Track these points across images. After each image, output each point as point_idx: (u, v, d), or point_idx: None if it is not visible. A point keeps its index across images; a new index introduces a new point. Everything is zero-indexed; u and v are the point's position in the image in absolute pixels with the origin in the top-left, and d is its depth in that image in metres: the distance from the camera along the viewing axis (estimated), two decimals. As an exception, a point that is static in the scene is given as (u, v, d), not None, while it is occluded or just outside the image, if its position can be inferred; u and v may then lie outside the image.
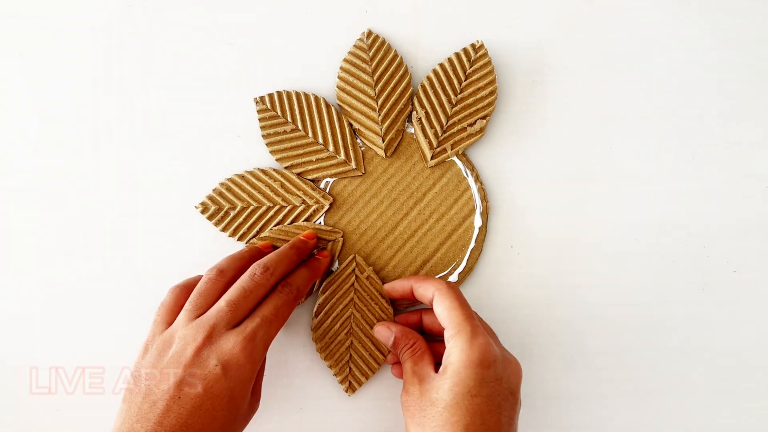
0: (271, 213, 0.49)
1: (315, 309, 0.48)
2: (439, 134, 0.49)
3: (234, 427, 0.39)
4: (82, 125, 0.50)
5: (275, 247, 0.47)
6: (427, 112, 0.49)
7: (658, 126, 0.50)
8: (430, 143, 0.49)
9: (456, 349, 0.39)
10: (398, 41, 0.50)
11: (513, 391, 0.39)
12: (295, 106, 0.49)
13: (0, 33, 0.51)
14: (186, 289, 0.43)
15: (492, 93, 0.49)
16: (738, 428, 0.48)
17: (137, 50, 0.51)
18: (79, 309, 0.49)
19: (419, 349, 0.43)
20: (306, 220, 0.49)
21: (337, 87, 0.49)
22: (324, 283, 0.48)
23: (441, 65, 0.49)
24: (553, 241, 0.49)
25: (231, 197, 0.49)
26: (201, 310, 0.41)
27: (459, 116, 0.49)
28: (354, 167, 0.49)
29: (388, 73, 0.49)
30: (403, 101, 0.49)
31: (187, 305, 0.41)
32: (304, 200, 0.49)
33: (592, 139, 0.50)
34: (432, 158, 0.49)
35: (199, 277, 0.44)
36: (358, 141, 0.49)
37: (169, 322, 0.42)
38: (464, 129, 0.49)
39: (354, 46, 0.50)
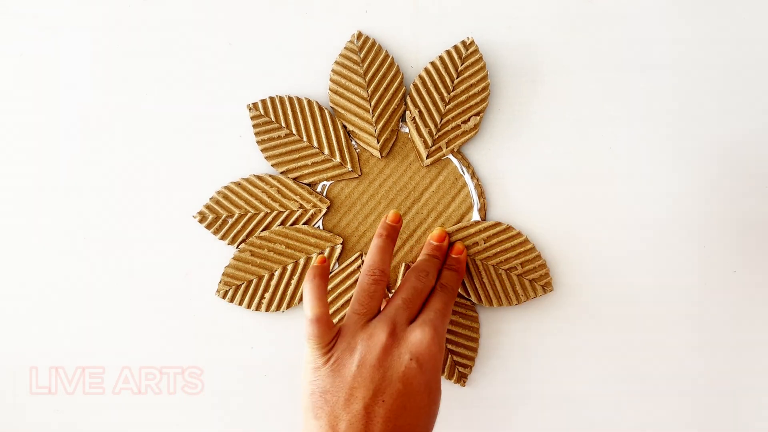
0: (269, 219, 0.49)
1: None
2: (434, 133, 0.49)
3: (433, 419, 0.39)
4: (82, 126, 0.50)
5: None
6: (420, 111, 0.49)
7: (658, 126, 0.50)
8: (425, 142, 0.49)
9: None
10: (398, 41, 0.50)
11: None
12: (288, 111, 0.49)
13: (0, 33, 0.51)
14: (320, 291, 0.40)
15: (485, 89, 0.49)
16: (738, 428, 0.48)
17: (137, 50, 0.51)
18: (79, 309, 0.49)
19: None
20: (305, 224, 0.49)
21: (330, 89, 0.49)
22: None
23: (432, 63, 0.49)
24: (552, 239, 0.49)
25: (228, 205, 0.49)
26: (372, 312, 0.40)
27: (453, 114, 0.49)
28: (350, 169, 0.49)
29: (380, 73, 0.49)
30: (396, 101, 0.49)
31: (357, 308, 0.40)
32: (301, 205, 0.49)
33: (592, 138, 0.49)
34: (427, 157, 0.49)
35: (319, 270, 0.41)
36: (353, 143, 0.49)
37: (327, 339, 0.39)
38: (458, 126, 0.49)
39: (345, 48, 0.50)
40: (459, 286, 0.45)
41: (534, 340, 0.48)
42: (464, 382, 0.48)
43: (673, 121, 0.50)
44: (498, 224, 0.48)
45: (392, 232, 0.44)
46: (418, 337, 0.38)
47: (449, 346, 0.47)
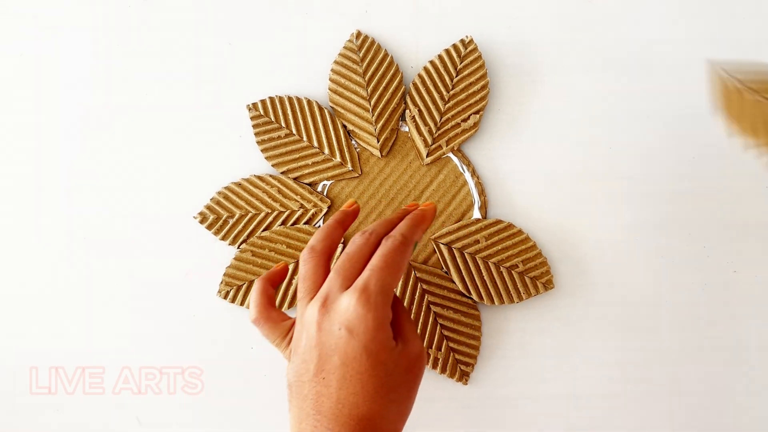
0: (270, 219, 0.49)
1: None
2: (434, 131, 0.49)
3: (391, 382, 0.38)
4: (82, 126, 0.50)
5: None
6: (420, 110, 0.49)
7: (658, 126, 0.50)
8: (425, 140, 0.49)
9: None
10: (398, 41, 0.50)
11: None
12: (288, 111, 0.49)
13: (0, 33, 0.51)
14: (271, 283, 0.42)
15: (484, 87, 0.49)
16: (738, 428, 0.48)
17: (137, 50, 0.51)
18: (79, 309, 0.49)
19: None
20: (306, 223, 0.49)
21: (329, 89, 0.49)
22: None
23: (432, 62, 0.49)
24: (553, 238, 0.49)
25: (229, 205, 0.49)
26: (313, 292, 0.39)
27: (452, 112, 0.49)
28: (350, 169, 0.49)
29: (380, 72, 0.49)
30: (396, 100, 0.49)
31: (300, 293, 0.40)
32: (302, 204, 0.49)
33: (592, 138, 0.50)
34: (428, 155, 0.49)
35: (265, 280, 0.42)
36: (353, 142, 0.49)
37: (281, 334, 0.41)
38: (458, 125, 0.49)
39: (344, 47, 0.50)
40: (414, 233, 0.41)
41: (535, 339, 0.48)
42: (466, 380, 0.48)
43: (673, 121, 0.50)
44: (499, 222, 0.48)
45: (344, 218, 0.42)
46: (344, 304, 0.37)
47: (451, 345, 0.47)
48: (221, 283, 0.48)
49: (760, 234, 0.49)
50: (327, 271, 0.40)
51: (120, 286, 0.49)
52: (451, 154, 0.49)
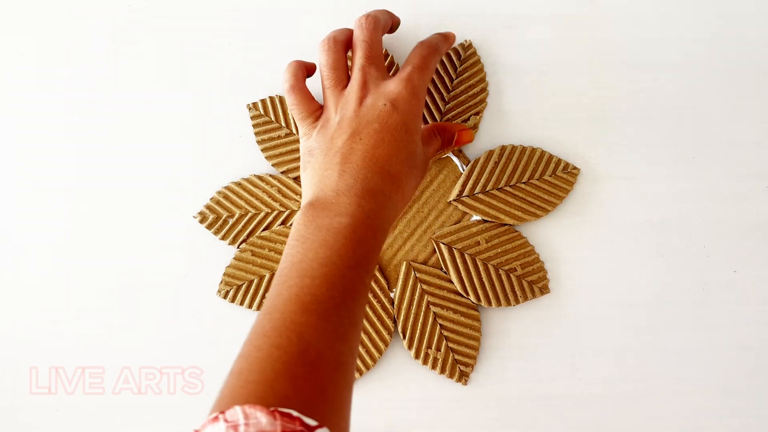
0: (270, 219, 0.49)
1: None
2: None
3: (416, 160, 0.41)
4: (82, 125, 0.50)
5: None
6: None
7: (658, 126, 0.50)
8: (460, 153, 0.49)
9: None
10: (398, 41, 0.50)
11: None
12: (288, 111, 0.49)
13: (0, 33, 0.51)
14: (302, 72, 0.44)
15: (483, 90, 0.49)
16: (738, 428, 0.48)
17: (137, 50, 0.51)
18: (79, 309, 0.49)
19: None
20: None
21: None
22: None
23: None
24: (552, 237, 0.49)
25: (229, 205, 0.49)
26: (343, 81, 0.42)
27: (452, 113, 0.49)
28: (351, 168, 0.49)
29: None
30: None
31: (327, 83, 0.42)
32: None
33: (592, 138, 0.50)
34: None
35: (300, 62, 0.44)
36: None
37: (311, 108, 0.43)
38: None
39: None
40: (443, 48, 0.46)
41: (534, 339, 0.48)
42: (465, 380, 0.48)
43: (673, 121, 0.50)
44: (499, 224, 0.48)
45: (368, 22, 0.44)
46: (391, 87, 0.41)
47: (450, 345, 0.47)
48: (221, 282, 0.48)
49: (760, 234, 0.49)
50: (347, 63, 0.43)
51: (120, 286, 0.49)
52: (451, 154, 0.49)
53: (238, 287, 0.48)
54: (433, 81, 0.49)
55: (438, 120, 0.49)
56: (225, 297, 0.48)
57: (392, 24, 0.46)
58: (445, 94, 0.49)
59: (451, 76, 0.49)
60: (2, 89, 0.51)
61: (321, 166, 0.40)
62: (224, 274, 0.48)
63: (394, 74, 0.43)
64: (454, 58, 0.50)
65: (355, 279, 0.36)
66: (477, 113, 0.49)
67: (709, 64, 0.50)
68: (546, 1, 0.51)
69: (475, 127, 0.49)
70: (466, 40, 0.50)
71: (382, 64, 0.43)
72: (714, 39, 0.50)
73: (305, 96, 0.43)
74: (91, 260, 0.49)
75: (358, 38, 0.42)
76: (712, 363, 0.48)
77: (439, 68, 0.49)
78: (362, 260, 0.37)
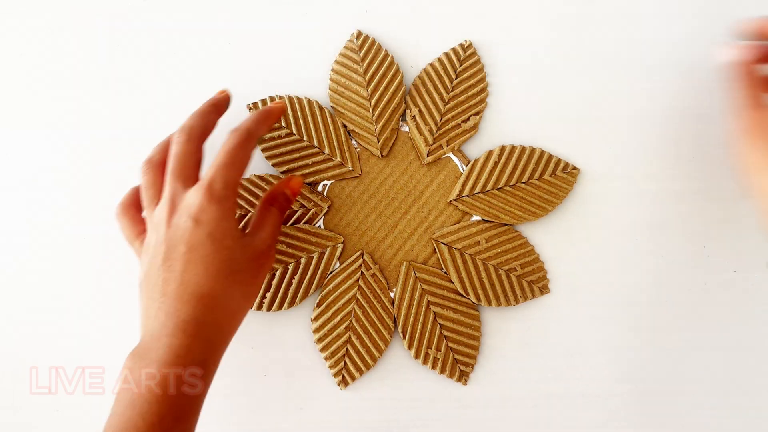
0: None
1: (317, 300, 0.48)
2: (434, 131, 0.49)
3: (235, 265, 0.40)
4: (81, 126, 0.50)
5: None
6: (420, 110, 0.49)
7: (658, 126, 0.50)
8: (425, 140, 0.49)
9: None
10: (398, 42, 0.50)
11: None
12: (288, 111, 0.49)
13: (0, 33, 0.51)
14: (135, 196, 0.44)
15: (483, 90, 0.49)
16: (738, 428, 0.48)
17: (136, 51, 0.51)
18: (78, 309, 0.49)
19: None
20: (306, 223, 0.49)
21: (330, 89, 0.49)
22: (329, 276, 0.48)
23: (431, 65, 0.50)
24: (552, 237, 0.49)
25: None
26: (156, 199, 0.42)
27: (452, 113, 0.49)
28: (350, 169, 0.49)
29: (380, 72, 0.49)
30: (396, 100, 0.49)
31: (143, 204, 0.43)
32: (302, 204, 0.49)
33: (592, 138, 0.50)
34: (428, 155, 0.49)
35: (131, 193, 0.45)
36: (353, 142, 0.49)
37: (135, 232, 0.43)
38: (458, 125, 0.49)
39: (344, 47, 0.50)
40: (258, 131, 0.43)
41: (535, 339, 0.48)
42: (466, 380, 0.48)
43: (673, 121, 0.50)
44: (499, 224, 0.48)
45: (215, 101, 0.45)
46: (189, 199, 0.40)
47: (450, 345, 0.47)
48: None
49: (760, 234, 0.49)
50: (162, 178, 0.42)
51: (120, 286, 0.49)
52: (451, 154, 0.49)
53: None
54: (432, 82, 0.49)
55: (438, 121, 0.49)
56: None
57: (216, 114, 0.45)
58: (444, 95, 0.49)
59: (451, 77, 0.49)
60: (2, 89, 0.51)
61: (145, 303, 0.40)
62: None
63: None
64: (454, 59, 0.50)
65: None
66: (477, 113, 0.49)
67: (709, 64, 0.50)
68: (546, 1, 0.51)
69: (475, 127, 0.49)
70: (466, 40, 0.50)
71: (193, 175, 0.41)
72: (714, 39, 0.50)
73: (131, 219, 0.43)
74: (91, 260, 0.49)
75: (170, 152, 0.42)
76: (711, 363, 0.48)
77: (439, 69, 0.49)
78: (168, 413, 0.37)
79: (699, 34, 0.50)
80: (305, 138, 0.49)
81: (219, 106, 0.45)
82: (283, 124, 0.49)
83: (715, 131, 0.50)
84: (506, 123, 0.50)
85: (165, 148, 0.43)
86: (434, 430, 0.48)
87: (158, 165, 0.42)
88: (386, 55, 0.50)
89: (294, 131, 0.49)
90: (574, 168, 0.49)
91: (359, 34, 0.50)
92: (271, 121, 0.45)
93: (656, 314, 0.49)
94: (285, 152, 0.49)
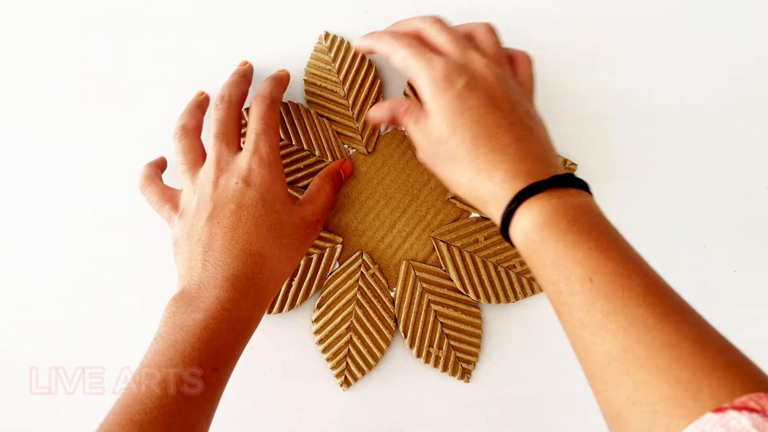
0: None
1: (318, 301, 0.48)
2: None
3: (283, 229, 0.42)
4: (80, 127, 0.50)
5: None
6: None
7: (658, 126, 0.50)
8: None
9: (423, 87, 0.38)
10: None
11: (499, 82, 0.38)
12: None
13: (0, 33, 0.51)
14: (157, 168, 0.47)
15: None
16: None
17: (137, 51, 0.51)
18: (79, 309, 0.49)
19: (413, 106, 0.41)
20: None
21: (306, 93, 0.50)
22: (329, 277, 0.48)
23: None
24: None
25: None
26: (197, 163, 0.43)
27: None
28: (345, 168, 0.49)
29: (354, 69, 0.49)
30: (373, 95, 0.49)
31: (181, 168, 0.44)
32: None
33: (592, 138, 0.50)
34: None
35: (152, 164, 0.47)
36: (345, 144, 0.49)
37: (165, 198, 0.44)
38: None
39: (314, 50, 0.50)
40: (279, 94, 0.46)
41: (535, 339, 0.48)
42: (468, 378, 0.48)
43: (673, 121, 0.50)
44: None
45: (203, 100, 0.47)
46: (240, 163, 0.41)
47: (452, 343, 0.47)
48: None
49: (760, 234, 0.49)
50: (201, 145, 0.44)
51: (120, 286, 0.49)
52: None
53: None
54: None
55: None
56: None
57: (247, 84, 0.47)
58: None
59: None
60: (2, 89, 0.51)
61: (187, 256, 0.40)
62: None
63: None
64: None
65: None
66: None
67: (709, 64, 0.50)
68: (546, 1, 0.51)
69: None
70: None
71: (236, 139, 0.43)
72: (714, 39, 0.50)
73: (159, 187, 0.44)
74: (91, 260, 0.49)
75: (212, 118, 0.44)
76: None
77: None
78: (210, 359, 0.37)
79: (699, 33, 0.50)
80: (294, 142, 0.49)
81: (247, 75, 0.47)
82: None
83: (715, 131, 0.50)
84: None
85: (195, 116, 0.45)
86: (437, 428, 0.48)
87: (194, 131, 0.44)
88: (357, 51, 0.49)
89: (282, 136, 0.49)
90: (572, 164, 0.49)
91: (327, 35, 0.50)
92: (285, 86, 0.47)
93: (656, 314, 0.48)
94: (281, 156, 0.49)
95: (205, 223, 0.40)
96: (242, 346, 0.40)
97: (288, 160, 0.49)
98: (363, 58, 0.49)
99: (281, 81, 0.46)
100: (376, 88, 0.49)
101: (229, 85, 0.45)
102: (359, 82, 0.49)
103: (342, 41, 0.50)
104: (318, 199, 0.44)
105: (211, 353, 0.37)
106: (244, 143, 0.43)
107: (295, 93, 0.50)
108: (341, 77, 0.49)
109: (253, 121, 0.43)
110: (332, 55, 0.49)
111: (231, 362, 0.39)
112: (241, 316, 0.39)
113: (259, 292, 0.40)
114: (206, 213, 0.40)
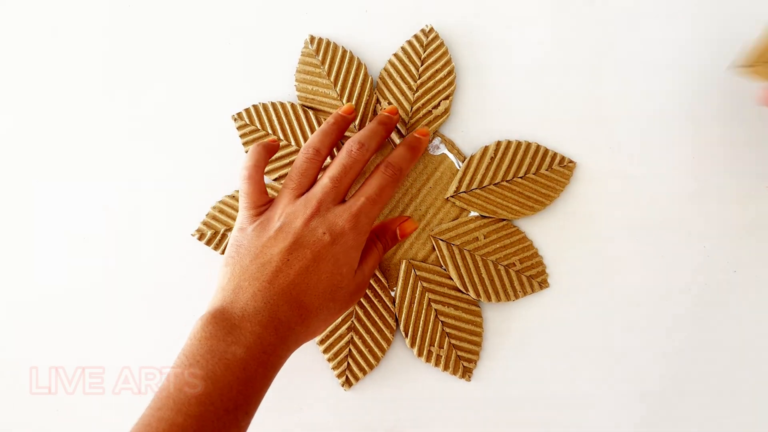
0: None
1: None
2: (406, 121, 0.49)
3: (338, 294, 0.41)
4: (80, 129, 0.50)
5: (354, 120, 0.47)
6: (390, 103, 0.49)
7: (658, 126, 0.50)
8: (398, 132, 0.49)
9: None
10: (399, 42, 0.50)
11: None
12: (273, 117, 0.49)
13: (0, 33, 0.51)
14: (258, 169, 0.43)
15: (450, 73, 0.49)
16: (738, 428, 0.48)
17: (137, 51, 0.51)
18: (78, 309, 0.49)
19: None
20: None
21: (298, 99, 0.50)
22: None
23: (396, 55, 0.50)
24: (552, 237, 0.49)
25: (225, 218, 0.49)
26: (303, 189, 0.42)
27: (422, 100, 0.49)
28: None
29: (343, 70, 0.49)
30: (366, 93, 0.49)
31: (289, 184, 0.43)
32: None
33: (592, 138, 0.50)
34: None
35: (264, 146, 0.44)
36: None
37: (258, 202, 0.43)
38: (429, 112, 0.49)
39: (301, 54, 0.50)
40: (408, 168, 0.45)
41: (536, 339, 0.48)
42: (469, 376, 0.48)
43: (673, 121, 0.50)
44: (498, 220, 0.48)
45: (341, 121, 0.45)
46: (336, 217, 0.41)
47: (453, 341, 0.47)
48: (200, 223, 0.49)
49: (760, 234, 0.49)
50: (317, 175, 0.43)
51: (120, 286, 0.49)
52: (447, 151, 0.49)
53: (215, 233, 0.49)
54: (399, 72, 0.50)
55: (409, 111, 0.49)
56: (201, 239, 0.49)
57: (387, 133, 0.46)
58: (412, 83, 0.49)
59: (417, 64, 0.50)
60: (2, 89, 0.51)
61: (242, 273, 0.40)
62: (205, 215, 0.49)
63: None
64: (418, 46, 0.50)
65: (231, 423, 0.36)
66: (447, 98, 0.49)
67: (709, 64, 0.50)
68: (546, 1, 0.51)
69: (447, 111, 0.49)
70: (426, 25, 0.50)
71: (347, 190, 0.43)
72: (714, 39, 0.50)
73: (258, 188, 0.43)
74: (91, 261, 0.49)
75: (341, 158, 0.43)
76: (711, 363, 0.48)
77: (404, 58, 0.50)
78: (244, 402, 0.37)
79: (699, 33, 0.50)
80: (293, 142, 0.49)
81: (389, 124, 0.46)
82: (270, 131, 0.49)
83: (715, 131, 0.50)
84: (505, 123, 0.50)
85: (329, 138, 0.44)
86: (438, 428, 0.48)
87: (322, 159, 0.43)
88: (344, 51, 0.50)
89: (281, 137, 0.49)
90: (570, 161, 0.49)
91: (312, 38, 0.50)
92: (419, 154, 0.46)
93: (656, 314, 0.48)
94: (275, 159, 0.49)
95: (277, 254, 0.40)
96: (265, 392, 0.39)
97: (286, 161, 0.49)
98: (351, 57, 0.50)
99: (417, 151, 0.45)
100: (368, 86, 0.49)
101: (372, 135, 0.44)
102: (351, 81, 0.49)
103: (328, 43, 0.50)
104: (369, 261, 0.44)
105: (246, 396, 0.37)
106: (350, 195, 0.43)
107: (293, 94, 0.50)
108: (332, 79, 0.49)
109: (371, 187, 0.42)
110: (320, 58, 0.50)
111: (254, 410, 0.38)
112: (273, 362, 0.38)
113: (292, 343, 0.40)
114: (282, 245, 0.40)
